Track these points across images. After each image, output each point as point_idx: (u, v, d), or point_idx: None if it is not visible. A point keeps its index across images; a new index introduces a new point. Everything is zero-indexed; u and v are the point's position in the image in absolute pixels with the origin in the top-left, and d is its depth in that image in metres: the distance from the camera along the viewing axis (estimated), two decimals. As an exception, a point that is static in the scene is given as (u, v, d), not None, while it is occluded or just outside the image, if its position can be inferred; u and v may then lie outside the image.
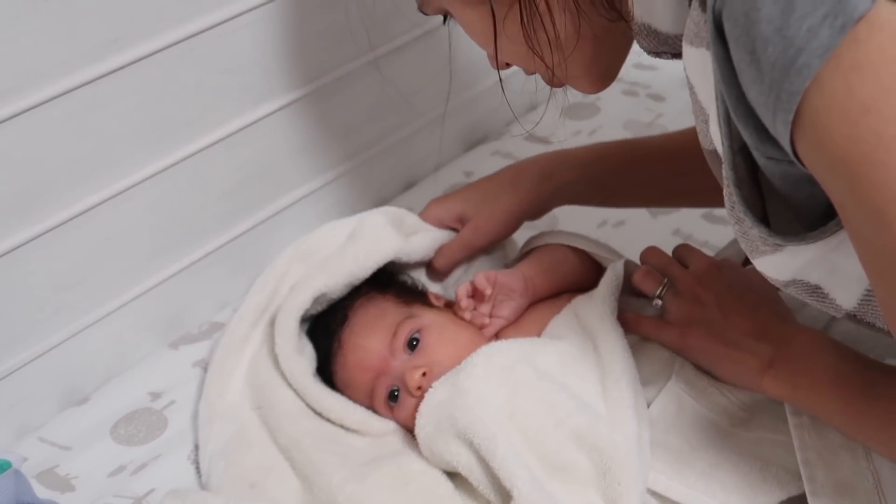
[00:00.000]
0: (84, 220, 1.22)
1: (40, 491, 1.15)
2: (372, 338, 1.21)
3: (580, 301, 1.24)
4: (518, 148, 1.74)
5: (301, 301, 1.24)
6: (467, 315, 1.24)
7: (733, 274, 1.17)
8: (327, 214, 1.48)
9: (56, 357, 1.26)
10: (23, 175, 1.15)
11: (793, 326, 1.09)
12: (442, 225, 1.37)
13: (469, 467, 1.09)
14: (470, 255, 1.38)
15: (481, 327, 1.24)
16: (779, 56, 0.70)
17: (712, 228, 1.55)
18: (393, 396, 1.19)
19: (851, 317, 0.90)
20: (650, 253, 1.26)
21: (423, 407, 1.14)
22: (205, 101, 1.31)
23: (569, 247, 1.32)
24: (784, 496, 1.06)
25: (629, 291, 1.24)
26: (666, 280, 1.21)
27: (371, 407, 1.21)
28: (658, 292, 1.21)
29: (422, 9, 1.07)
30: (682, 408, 1.14)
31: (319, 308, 1.29)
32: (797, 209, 0.84)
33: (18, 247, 1.17)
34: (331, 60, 1.45)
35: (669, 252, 1.25)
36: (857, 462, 1.02)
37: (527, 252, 1.36)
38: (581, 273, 1.31)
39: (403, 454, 1.16)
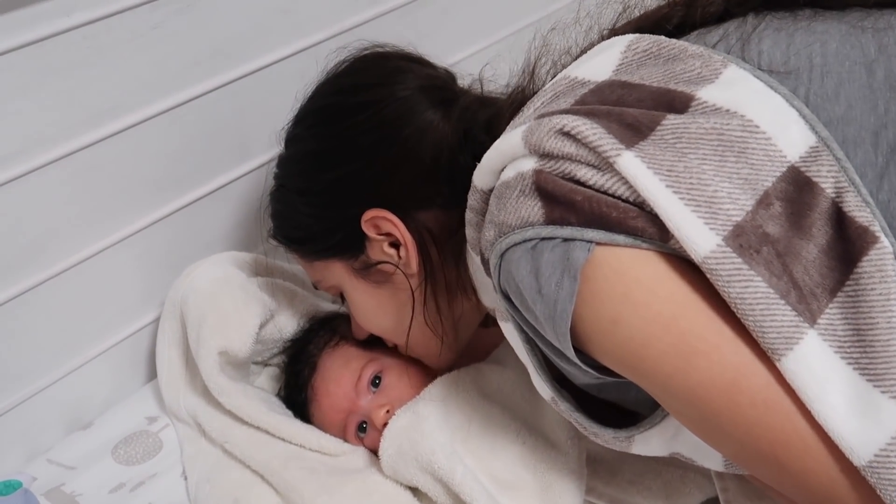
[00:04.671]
0: (85, 267, 1.23)
1: (48, 507, 1.16)
2: (340, 383, 1.23)
3: None
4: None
5: (212, 363, 1.22)
6: None
7: None
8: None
9: (62, 387, 1.27)
10: (30, 228, 1.16)
11: None
12: None
13: (427, 486, 1.11)
14: None
15: None
16: (544, 310, 0.82)
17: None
18: (362, 428, 1.21)
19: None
20: None
21: (387, 432, 1.15)
22: (192, 162, 1.32)
23: None
24: (703, 497, 1.10)
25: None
26: None
27: (344, 438, 1.23)
28: None
29: (315, 286, 1.21)
30: None
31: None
32: (635, 405, 0.94)
33: (27, 291, 1.18)
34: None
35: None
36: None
37: None
38: None
39: (365, 470, 1.17)
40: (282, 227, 1.19)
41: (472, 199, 0.95)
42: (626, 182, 0.80)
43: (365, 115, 1.09)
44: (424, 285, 1.10)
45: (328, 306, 1.40)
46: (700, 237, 0.77)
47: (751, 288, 0.76)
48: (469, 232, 0.98)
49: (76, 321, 1.26)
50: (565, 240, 0.81)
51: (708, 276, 0.77)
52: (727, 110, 0.82)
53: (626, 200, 0.80)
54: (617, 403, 0.97)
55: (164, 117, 1.24)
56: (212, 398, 1.25)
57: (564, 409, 0.96)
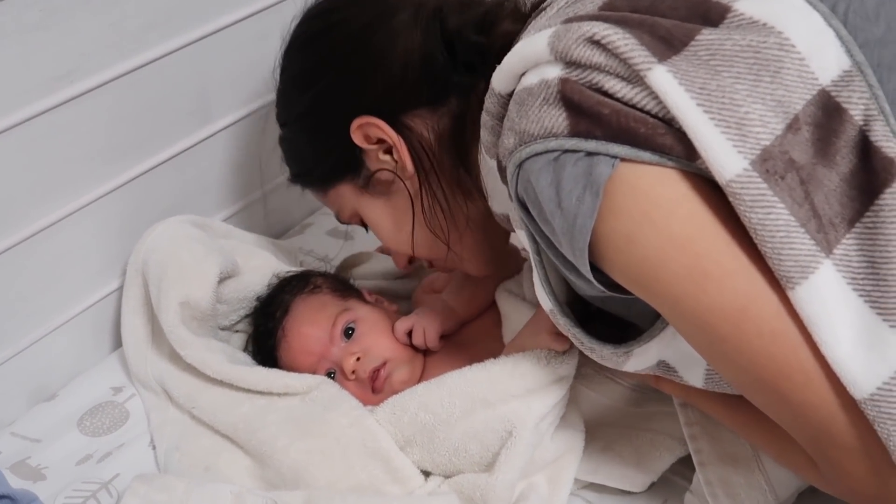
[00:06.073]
0: (44, 236, 1.21)
1: (14, 481, 1.13)
2: (314, 327, 1.23)
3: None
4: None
5: (173, 315, 1.21)
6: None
7: None
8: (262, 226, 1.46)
9: (25, 358, 1.25)
10: (-13, 197, 1.14)
11: None
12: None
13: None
14: None
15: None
16: (562, 224, 0.82)
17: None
18: (330, 377, 1.20)
19: None
20: None
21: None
22: (151, 127, 1.30)
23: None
24: (673, 459, 1.10)
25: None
26: None
27: None
28: None
29: (339, 219, 1.21)
30: (583, 399, 1.17)
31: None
32: (636, 318, 0.93)
33: (-14, 261, 1.17)
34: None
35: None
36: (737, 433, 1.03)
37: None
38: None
39: (331, 409, 1.14)
40: (291, 166, 1.20)
41: (489, 103, 0.93)
42: (655, 97, 0.79)
43: (333, 33, 1.09)
44: (421, 188, 1.08)
45: (293, 267, 1.39)
46: (727, 159, 0.76)
47: (773, 214, 0.76)
48: (484, 135, 0.96)
49: (37, 291, 1.24)
50: (589, 154, 0.80)
51: (731, 199, 0.77)
52: (764, 24, 0.80)
53: (654, 116, 0.79)
54: (614, 315, 0.97)
55: (121, 81, 1.22)
56: (179, 363, 1.23)
57: (563, 324, 0.96)
